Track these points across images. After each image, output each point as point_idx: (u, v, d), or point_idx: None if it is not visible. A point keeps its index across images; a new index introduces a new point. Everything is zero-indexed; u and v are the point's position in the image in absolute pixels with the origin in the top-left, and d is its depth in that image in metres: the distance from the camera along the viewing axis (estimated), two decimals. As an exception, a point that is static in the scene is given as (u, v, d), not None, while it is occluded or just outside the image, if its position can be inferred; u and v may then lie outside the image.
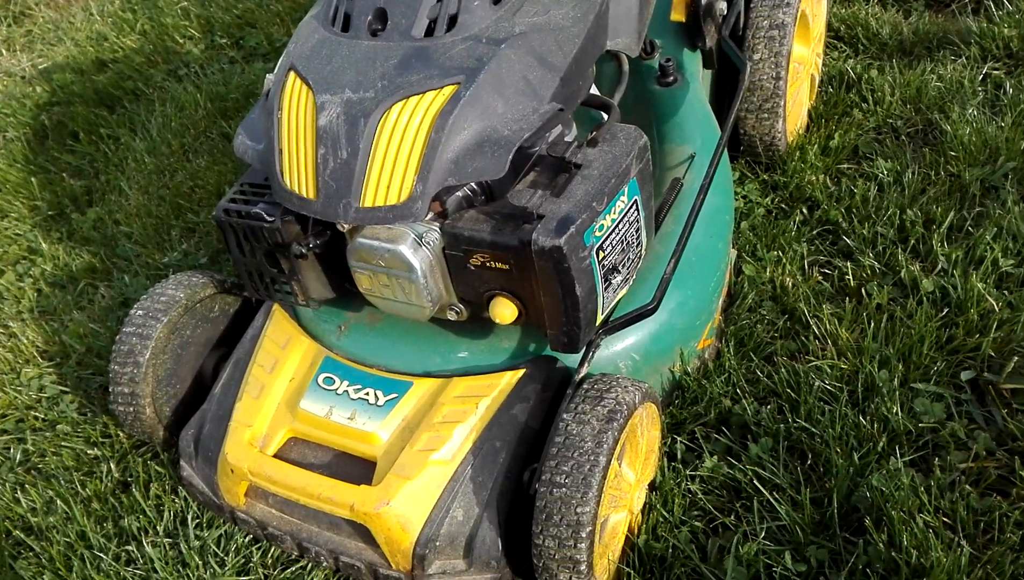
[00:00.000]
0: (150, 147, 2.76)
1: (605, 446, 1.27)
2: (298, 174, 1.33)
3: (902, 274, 1.80)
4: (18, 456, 1.86)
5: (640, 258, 1.44)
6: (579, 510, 1.24)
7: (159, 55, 3.29)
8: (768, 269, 1.88)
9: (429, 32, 1.33)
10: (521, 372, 1.43)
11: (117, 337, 1.64)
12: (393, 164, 1.26)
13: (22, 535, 1.68)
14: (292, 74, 1.38)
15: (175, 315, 1.64)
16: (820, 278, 1.87)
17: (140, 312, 1.65)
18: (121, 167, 2.73)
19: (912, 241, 1.88)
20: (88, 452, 1.83)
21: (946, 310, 1.72)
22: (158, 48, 3.33)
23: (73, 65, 3.40)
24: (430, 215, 1.32)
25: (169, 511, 1.64)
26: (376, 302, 1.46)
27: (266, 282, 1.56)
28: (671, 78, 1.82)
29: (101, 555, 1.59)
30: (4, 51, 3.72)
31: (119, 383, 1.63)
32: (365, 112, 1.27)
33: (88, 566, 1.58)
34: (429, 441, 1.37)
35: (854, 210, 1.99)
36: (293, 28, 3.23)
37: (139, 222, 2.47)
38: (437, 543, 1.33)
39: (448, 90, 1.26)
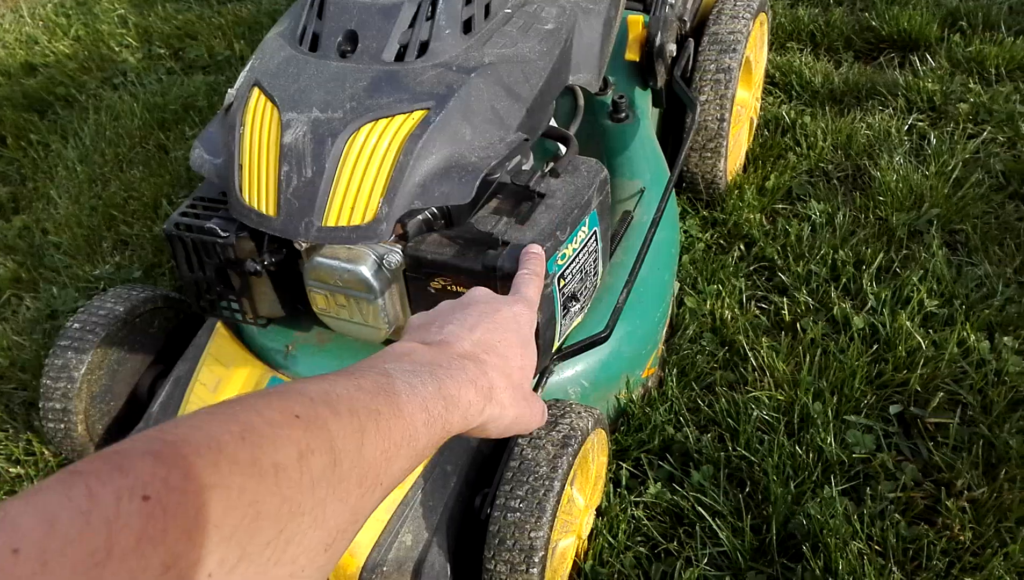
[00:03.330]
0: (82, 155, 2.66)
1: (560, 471, 1.28)
2: (258, 191, 1.32)
3: (835, 311, 1.89)
4: (-69, 474, 1.76)
5: (595, 287, 1.46)
6: (533, 535, 1.25)
7: (93, 62, 3.19)
8: (708, 302, 1.94)
9: (399, 57, 1.34)
10: (474, 397, 1.43)
11: (51, 350, 1.58)
12: (359, 185, 1.26)
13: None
14: (256, 90, 1.36)
15: (113, 329, 1.59)
16: (757, 312, 1.94)
17: (76, 325, 1.59)
18: (50, 174, 2.63)
19: (844, 280, 1.97)
20: (10, 470, 1.74)
21: (876, 346, 1.81)
22: (92, 55, 3.23)
23: (0, 67, 3.26)
24: (392, 237, 1.32)
25: (98, 534, 1.57)
26: (330, 322, 1.44)
27: (212, 299, 1.52)
28: (623, 114, 1.87)
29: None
30: (-78, 48, 3.55)
31: (50, 398, 1.56)
32: (333, 132, 1.26)
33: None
34: (380, 464, 1.36)
35: (789, 248, 2.07)
36: (235, 42, 3.19)
37: (69, 232, 2.37)
38: (384, 568, 1.32)
39: (418, 115, 1.27)
